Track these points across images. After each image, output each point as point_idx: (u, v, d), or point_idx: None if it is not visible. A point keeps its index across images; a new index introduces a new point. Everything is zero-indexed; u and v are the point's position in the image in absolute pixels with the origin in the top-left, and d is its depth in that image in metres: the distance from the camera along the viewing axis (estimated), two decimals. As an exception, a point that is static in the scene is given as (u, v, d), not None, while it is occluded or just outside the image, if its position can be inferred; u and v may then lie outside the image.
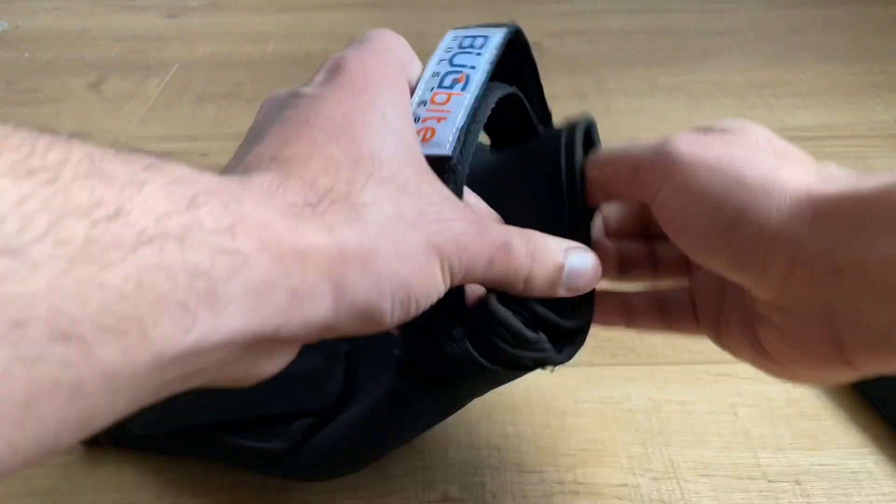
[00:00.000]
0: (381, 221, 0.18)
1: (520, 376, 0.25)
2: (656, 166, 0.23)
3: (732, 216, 0.21)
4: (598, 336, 0.42)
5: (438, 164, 0.22)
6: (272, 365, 0.19)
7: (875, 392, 0.37)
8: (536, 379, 0.39)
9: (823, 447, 0.36)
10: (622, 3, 0.93)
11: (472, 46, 0.25)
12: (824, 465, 0.35)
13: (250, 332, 0.16)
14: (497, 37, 0.25)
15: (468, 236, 0.21)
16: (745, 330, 0.25)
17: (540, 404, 0.38)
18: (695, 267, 0.29)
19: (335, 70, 0.22)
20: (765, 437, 0.36)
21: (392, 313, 0.19)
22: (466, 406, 0.38)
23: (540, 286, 0.23)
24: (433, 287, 0.20)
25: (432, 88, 0.23)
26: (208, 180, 0.16)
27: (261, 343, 0.17)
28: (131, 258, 0.14)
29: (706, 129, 0.24)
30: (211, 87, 0.72)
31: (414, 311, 0.20)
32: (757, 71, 0.73)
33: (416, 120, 0.22)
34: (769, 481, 0.34)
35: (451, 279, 0.21)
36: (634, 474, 0.34)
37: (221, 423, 0.33)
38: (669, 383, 0.39)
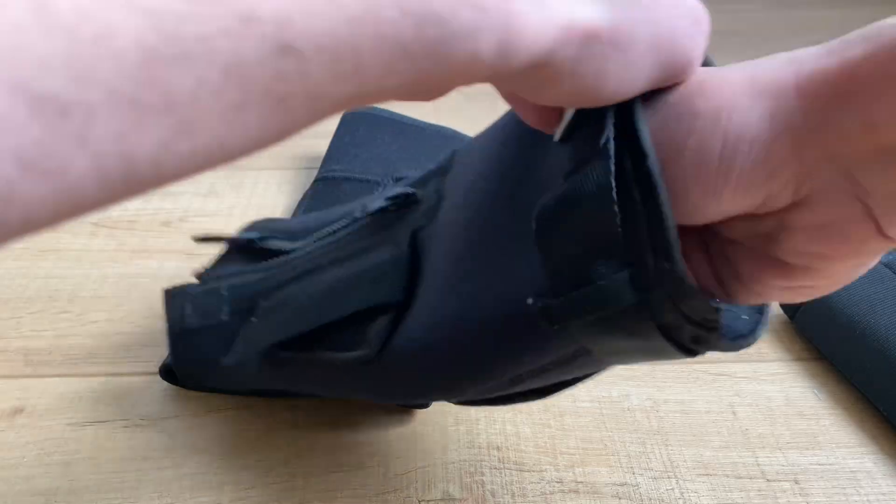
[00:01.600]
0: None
1: (664, 356, 0.21)
2: None
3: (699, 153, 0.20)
4: (598, 336, 0.42)
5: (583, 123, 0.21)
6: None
7: (874, 391, 0.37)
8: (536, 378, 0.40)
9: (822, 446, 0.36)
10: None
11: None
12: (823, 465, 0.35)
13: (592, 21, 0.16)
14: None
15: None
16: (759, 261, 0.22)
17: (539, 403, 0.38)
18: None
19: None
20: (763, 437, 0.36)
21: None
22: (466, 405, 0.38)
23: None
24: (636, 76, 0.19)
25: None
26: None
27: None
28: None
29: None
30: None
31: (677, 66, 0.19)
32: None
33: None
34: (768, 480, 0.34)
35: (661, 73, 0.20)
36: (633, 473, 0.34)
37: (301, 337, 0.31)
38: (668, 383, 0.39)
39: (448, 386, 0.28)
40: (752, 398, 0.38)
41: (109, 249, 0.49)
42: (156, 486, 0.34)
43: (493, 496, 0.33)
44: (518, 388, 0.27)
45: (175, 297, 0.36)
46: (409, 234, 0.30)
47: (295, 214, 0.52)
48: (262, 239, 0.36)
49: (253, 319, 0.33)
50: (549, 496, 0.33)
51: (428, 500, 0.33)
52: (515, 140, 0.27)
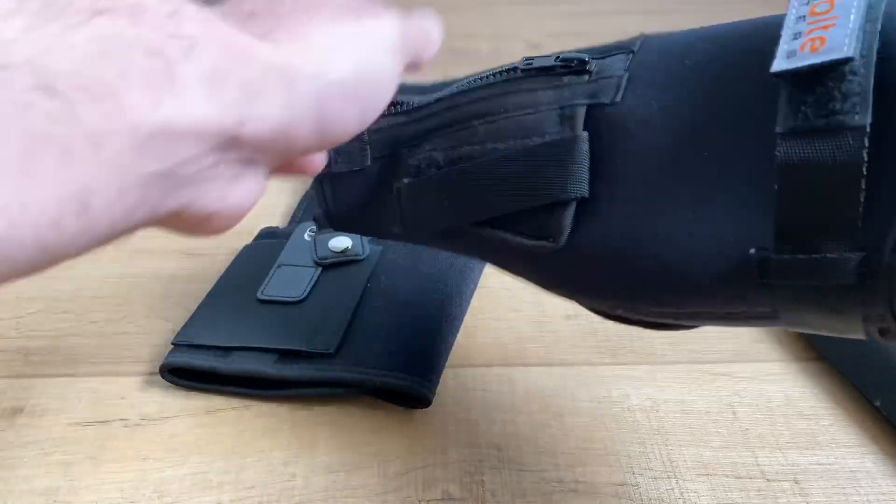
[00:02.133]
0: (305, 20, 0.20)
1: (846, 335, 0.22)
2: None
3: None
4: (598, 335, 0.42)
5: (829, 73, 0.20)
6: (243, 192, 0.20)
7: (874, 391, 0.37)
8: (536, 379, 0.40)
9: (822, 446, 0.36)
10: (622, 4, 0.93)
11: None
12: (823, 465, 0.35)
13: (214, 124, 0.16)
14: None
15: (397, 21, 0.22)
16: None
17: (539, 403, 0.38)
18: None
19: None
20: (763, 437, 0.36)
21: (346, 106, 0.20)
22: (466, 405, 0.38)
23: None
24: (380, 70, 0.21)
25: (808, 2, 0.21)
26: None
27: (228, 145, 0.17)
28: (89, 25, 0.14)
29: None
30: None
31: (372, 107, 0.21)
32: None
33: (797, 37, 0.21)
34: (768, 480, 0.34)
35: (400, 64, 0.22)
36: (633, 473, 0.34)
37: (477, 222, 0.29)
38: (668, 383, 0.39)
39: (626, 296, 0.26)
40: (752, 398, 0.38)
41: (109, 249, 0.49)
42: (156, 486, 0.34)
43: (493, 496, 0.33)
44: (686, 322, 0.27)
45: None
46: (584, 113, 0.26)
47: (295, 214, 0.52)
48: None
49: (406, 181, 0.30)
50: (549, 496, 0.33)
51: (428, 501, 0.33)
52: (739, 57, 0.24)
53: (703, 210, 0.23)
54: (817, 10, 0.21)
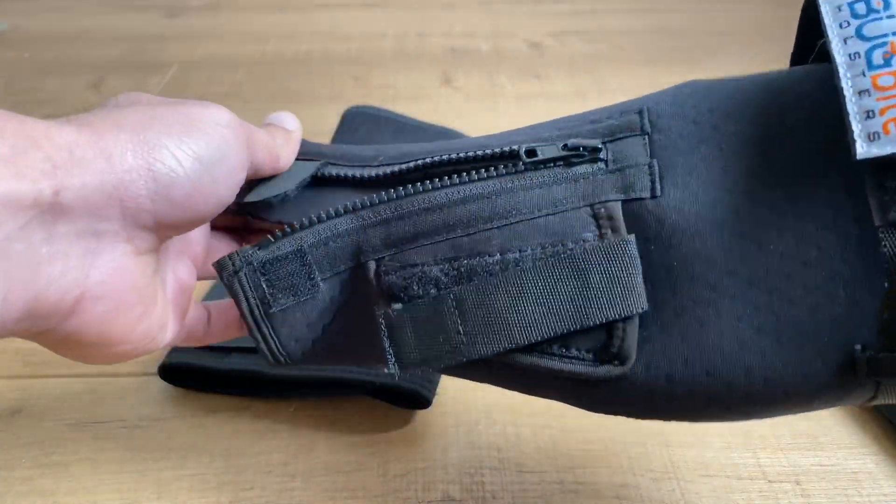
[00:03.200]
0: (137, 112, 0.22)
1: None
2: None
3: None
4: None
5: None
6: (105, 269, 0.20)
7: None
8: (536, 379, 0.40)
9: (823, 447, 0.36)
10: (622, 3, 0.93)
11: (869, 11, 0.20)
12: (824, 466, 0.35)
13: (27, 195, 0.18)
14: None
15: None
16: None
17: (540, 404, 0.38)
18: None
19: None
20: (765, 438, 0.36)
21: (181, 160, 0.21)
22: (466, 406, 0.38)
23: None
24: (205, 123, 0.22)
25: (863, 72, 0.20)
26: None
27: (53, 214, 0.18)
28: None
29: None
30: (211, 87, 0.72)
31: (214, 163, 0.22)
32: (758, 70, 0.73)
33: (871, 115, 0.19)
34: (769, 481, 0.34)
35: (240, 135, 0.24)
36: (634, 474, 0.34)
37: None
38: (669, 383, 0.39)
39: (701, 416, 0.23)
40: (754, 399, 0.38)
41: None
42: (155, 486, 0.34)
43: (494, 497, 0.33)
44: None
45: (239, 273, 0.25)
46: (620, 210, 0.23)
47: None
48: (323, 166, 0.28)
49: (396, 307, 0.24)
50: (549, 497, 0.33)
51: (428, 502, 0.33)
52: (783, 133, 0.22)
53: (787, 309, 0.21)
54: (881, 83, 0.19)
